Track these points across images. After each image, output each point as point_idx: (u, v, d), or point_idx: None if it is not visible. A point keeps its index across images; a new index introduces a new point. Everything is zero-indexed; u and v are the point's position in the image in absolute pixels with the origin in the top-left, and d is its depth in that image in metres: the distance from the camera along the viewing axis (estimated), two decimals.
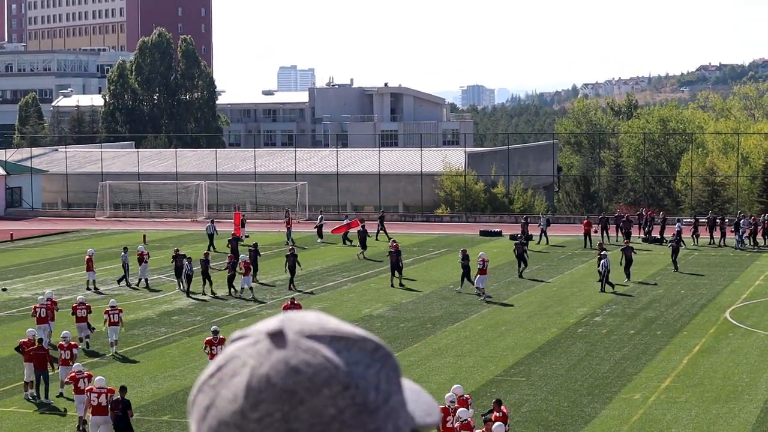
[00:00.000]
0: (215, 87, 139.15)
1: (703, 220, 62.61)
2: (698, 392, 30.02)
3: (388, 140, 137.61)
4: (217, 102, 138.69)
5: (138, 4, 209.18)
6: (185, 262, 46.48)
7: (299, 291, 46.73)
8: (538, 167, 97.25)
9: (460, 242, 63.39)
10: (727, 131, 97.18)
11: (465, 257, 46.64)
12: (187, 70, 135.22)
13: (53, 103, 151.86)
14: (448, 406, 23.81)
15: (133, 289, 48.40)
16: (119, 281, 49.13)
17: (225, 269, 46.86)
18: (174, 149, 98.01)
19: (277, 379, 1.68)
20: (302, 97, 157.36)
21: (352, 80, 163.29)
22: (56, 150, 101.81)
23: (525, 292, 46.48)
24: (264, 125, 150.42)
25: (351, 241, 61.66)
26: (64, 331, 31.64)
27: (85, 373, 27.35)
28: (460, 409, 23.58)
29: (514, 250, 51.52)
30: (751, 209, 77.91)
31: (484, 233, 67.34)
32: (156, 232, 70.30)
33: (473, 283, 45.58)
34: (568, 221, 74.01)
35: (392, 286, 47.72)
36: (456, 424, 23.25)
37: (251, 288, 45.93)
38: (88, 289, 47.29)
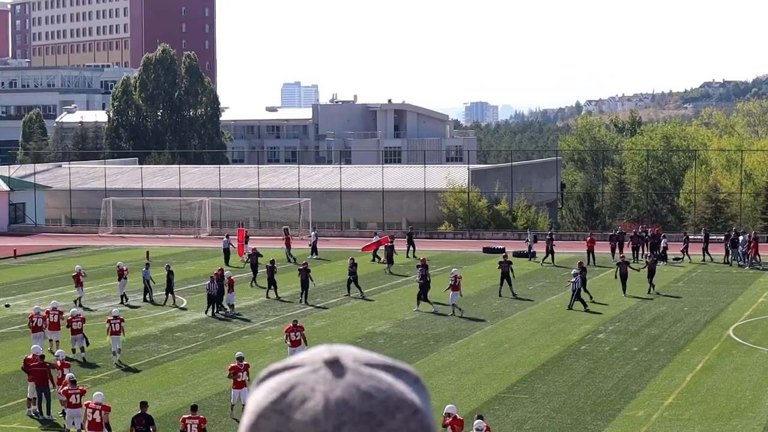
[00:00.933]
0: (219, 103, 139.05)
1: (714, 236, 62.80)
2: (701, 409, 29.96)
3: (392, 157, 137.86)
4: (220, 118, 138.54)
5: (142, 20, 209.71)
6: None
7: (310, 305, 47.05)
8: (541, 184, 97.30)
9: (463, 259, 63.44)
10: (731, 148, 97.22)
11: (424, 267, 46.24)
12: (190, 87, 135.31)
13: (57, 119, 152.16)
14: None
15: (147, 302, 48.86)
16: (144, 298, 49.34)
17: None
18: (177, 165, 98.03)
19: (354, 402, 1.74)
20: (306, 113, 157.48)
21: (355, 97, 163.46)
22: (60, 166, 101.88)
23: (528, 309, 46.44)
24: (267, 142, 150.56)
25: (380, 258, 61.69)
26: (59, 350, 31.69)
27: (79, 389, 27.46)
28: (448, 405, 25.11)
29: (500, 268, 49.83)
30: (754, 226, 77.89)
31: (487, 250, 67.30)
32: (159, 248, 70.31)
33: (429, 301, 45.40)
34: (572, 238, 74.00)
35: (417, 306, 46.17)
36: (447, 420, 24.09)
37: (232, 306, 46.05)
38: (80, 306, 46.81)
